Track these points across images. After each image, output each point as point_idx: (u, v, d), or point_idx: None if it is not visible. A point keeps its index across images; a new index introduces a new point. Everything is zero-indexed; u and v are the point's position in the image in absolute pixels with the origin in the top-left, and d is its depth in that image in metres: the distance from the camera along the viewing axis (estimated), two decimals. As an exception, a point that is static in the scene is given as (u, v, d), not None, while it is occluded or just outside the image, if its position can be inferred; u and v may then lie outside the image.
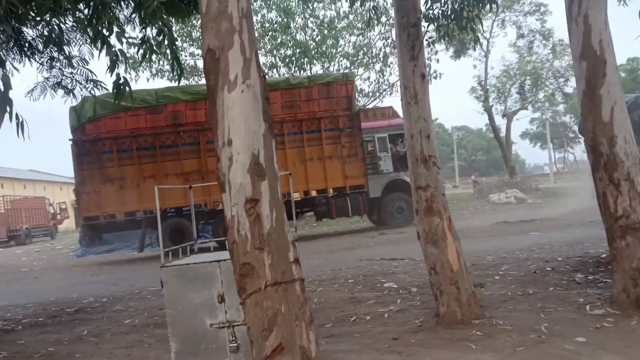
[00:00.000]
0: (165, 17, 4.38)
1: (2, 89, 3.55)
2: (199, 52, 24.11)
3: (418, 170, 5.51)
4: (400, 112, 18.45)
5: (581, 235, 10.87)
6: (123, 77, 4.58)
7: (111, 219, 15.50)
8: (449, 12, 5.95)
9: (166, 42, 4.53)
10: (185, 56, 24.41)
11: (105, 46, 4.51)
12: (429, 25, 5.98)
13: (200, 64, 30.03)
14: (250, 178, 3.52)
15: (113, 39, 4.48)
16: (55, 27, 6.33)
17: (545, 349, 4.22)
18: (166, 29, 4.35)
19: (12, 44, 6.47)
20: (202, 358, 4.06)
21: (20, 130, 4.05)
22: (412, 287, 6.99)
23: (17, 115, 3.93)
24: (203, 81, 24.47)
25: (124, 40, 4.54)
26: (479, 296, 5.52)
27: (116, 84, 4.53)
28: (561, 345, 4.26)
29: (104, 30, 4.41)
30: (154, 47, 4.62)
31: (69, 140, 15.21)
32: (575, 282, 6.36)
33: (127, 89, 4.61)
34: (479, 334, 4.66)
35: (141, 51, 4.67)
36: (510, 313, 5.27)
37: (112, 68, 4.51)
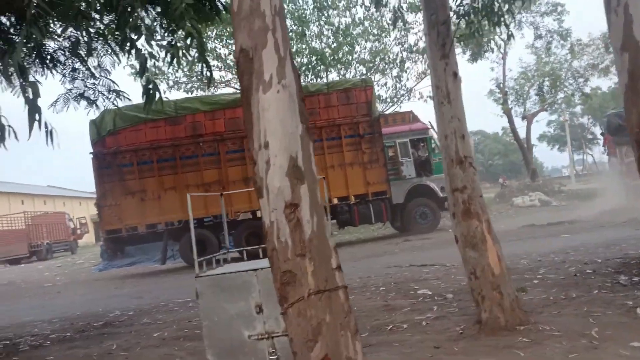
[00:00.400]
0: (194, 20, 4.27)
1: (31, 97, 3.46)
2: (215, 62, 24.16)
3: (454, 171, 5.32)
4: (420, 117, 18.30)
5: (615, 236, 10.55)
6: (153, 81, 4.48)
7: (133, 232, 15.46)
8: (479, 8, 5.78)
9: (194, 46, 4.43)
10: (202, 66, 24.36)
11: (133, 50, 4.42)
12: (459, 22, 5.81)
13: (215, 74, 30.19)
14: (289, 182, 3.35)
15: (139, 43, 4.41)
16: (79, 37, 6.28)
17: (598, 355, 3.99)
18: (195, 32, 4.24)
19: (35, 55, 6.43)
20: (241, 371, 3.90)
21: (49, 139, 3.97)
22: (447, 293, 6.77)
23: (45, 123, 3.85)
24: (220, 91, 24.63)
25: (153, 43, 4.44)
26: (521, 301, 5.30)
27: (146, 89, 4.43)
28: (615, 350, 4.03)
29: (132, 34, 4.32)
30: (182, 51, 4.51)
31: (90, 153, 15.23)
32: (620, 284, 6.09)
33: (157, 94, 4.50)
34: (525, 341, 4.44)
35: (169, 56, 4.55)
36: (555, 318, 5.04)
37: (141, 72, 4.41)
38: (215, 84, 25.96)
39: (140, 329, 7.01)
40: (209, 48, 23.37)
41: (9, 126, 3.77)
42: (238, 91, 21.02)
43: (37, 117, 3.57)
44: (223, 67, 24.65)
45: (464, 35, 6.85)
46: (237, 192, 15.24)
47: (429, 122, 17.88)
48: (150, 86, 4.33)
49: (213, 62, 24.17)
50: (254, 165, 3.53)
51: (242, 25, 3.53)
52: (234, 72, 22.18)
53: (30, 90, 3.48)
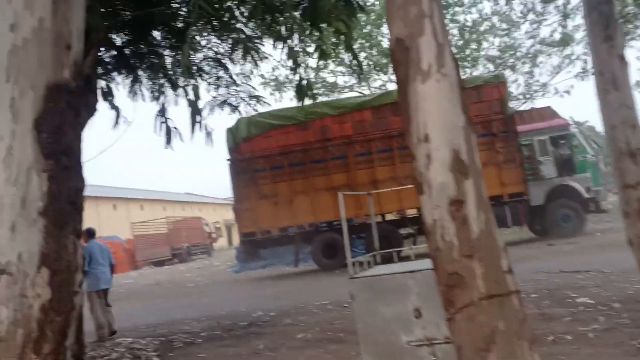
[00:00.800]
0: (343, 15, 4.21)
1: (193, 99, 3.59)
2: (339, 68, 24.38)
3: (624, 165, 4.72)
4: (559, 113, 17.01)
5: None
6: (306, 78, 4.50)
7: (267, 235, 15.94)
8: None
9: (342, 41, 4.38)
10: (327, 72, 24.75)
11: (286, 47, 4.48)
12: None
13: (339, 79, 30.51)
14: (453, 177, 3.09)
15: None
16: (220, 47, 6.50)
17: None
18: (344, 28, 4.18)
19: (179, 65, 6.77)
20: (400, 378, 3.70)
21: (209, 138, 4.13)
22: (612, 302, 6.08)
23: (205, 125, 4.01)
24: (343, 95, 24.77)
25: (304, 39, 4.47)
26: None
27: (298, 85, 4.45)
28: None
29: (283, 30, 4.37)
30: (329, 47, 4.49)
31: (226, 160, 15.98)
32: None
33: (309, 90, 4.51)
34: None
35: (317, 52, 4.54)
36: None
37: (294, 68, 4.45)
38: (339, 89, 26.23)
39: (284, 330, 7.09)
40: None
41: (175, 128, 3.94)
42: (363, 95, 21.05)
43: (198, 118, 3.70)
44: (347, 72, 24.78)
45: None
46: (365, 196, 15.14)
47: (570, 117, 16.57)
48: (304, 82, 4.35)
49: (336, 68, 24.47)
50: (412, 160, 3.33)
51: (397, 13, 3.35)
52: (357, 76, 22.09)
53: (192, 92, 3.60)
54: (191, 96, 3.58)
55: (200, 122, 3.83)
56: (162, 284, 19.33)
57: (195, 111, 3.61)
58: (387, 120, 15.58)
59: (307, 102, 9.80)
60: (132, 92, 7.01)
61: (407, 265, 4.25)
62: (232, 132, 15.90)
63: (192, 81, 6.45)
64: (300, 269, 16.83)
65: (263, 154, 15.71)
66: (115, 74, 6.63)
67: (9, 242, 3.00)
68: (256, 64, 7.44)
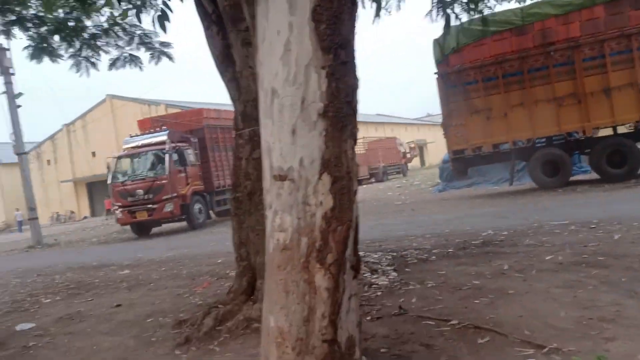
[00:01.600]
0: None
1: None
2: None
3: None
4: None
5: None
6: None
7: (477, 152, 15.05)
8: None
9: None
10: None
11: None
12: None
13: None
14: None
15: None
16: None
17: None
18: None
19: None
20: None
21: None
22: None
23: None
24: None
25: None
26: None
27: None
28: None
29: None
30: None
31: (434, 74, 15.18)
32: None
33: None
34: None
35: None
36: None
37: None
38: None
39: (527, 251, 6.46)
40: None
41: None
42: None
43: None
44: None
45: None
46: (595, 106, 13.38)
47: None
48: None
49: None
50: None
51: None
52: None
53: None
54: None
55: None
56: (367, 201, 19.70)
57: None
58: (624, 16, 13.26)
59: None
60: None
61: None
62: (439, 44, 14.95)
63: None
64: (511, 188, 15.77)
65: (474, 65, 14.55)
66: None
67: (290, 147, 2.80)
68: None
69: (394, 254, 7.27)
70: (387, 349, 3.78)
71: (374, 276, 5.94)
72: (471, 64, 14.58)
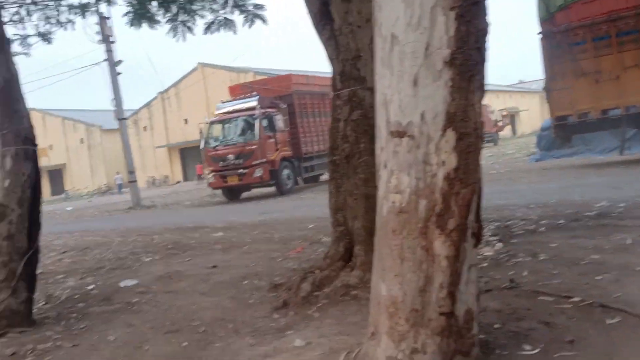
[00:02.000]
0: None
1: None
2: None
3: None
4: None
5: None
6: None
7: (584, 118, 13.91)
8: None
9: None
10: None
11: None
12: None
13: None
14: None
15: None
16: None
17: None
18: None
19: None
20: None
21: None
22: None
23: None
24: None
25: None
26: None
27: None
28: None
29: None
30: None
31: (538, 33, 14.11)
32: None
33: None
34: None
35: None
36: None
37: None
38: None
39: (655, 225, 5.83)
40: None
41: None
42: None
43: None
44: None
45: None
46: None
47: None
48: None
49: None
50: None
51: None
52: None
53: None
54: None
55: None
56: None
57: None
58: None
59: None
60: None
61: None
62: (544, 1, 13.83)
63: None
64: (621, 158, 14.52)
65: (584, 24, 13.30)
66: None
67: (411, 99, 2.52)
68: None
69: (498, 223, 6.85)
70: (501, 324, 3.47)
71: (478, 246, 5.58)
72: (580, 22, 13.37)
